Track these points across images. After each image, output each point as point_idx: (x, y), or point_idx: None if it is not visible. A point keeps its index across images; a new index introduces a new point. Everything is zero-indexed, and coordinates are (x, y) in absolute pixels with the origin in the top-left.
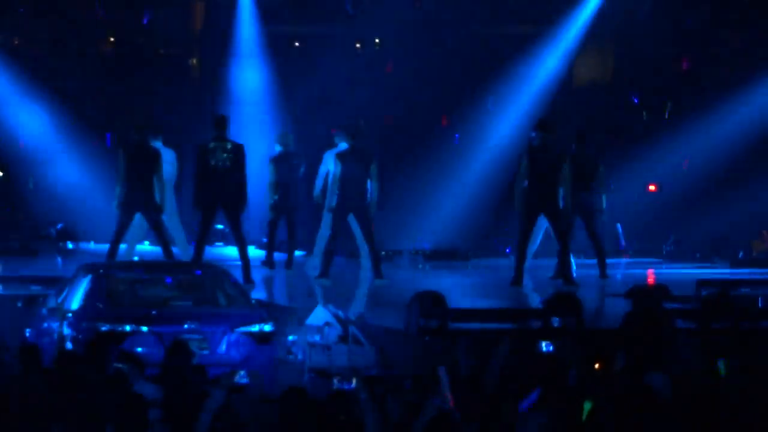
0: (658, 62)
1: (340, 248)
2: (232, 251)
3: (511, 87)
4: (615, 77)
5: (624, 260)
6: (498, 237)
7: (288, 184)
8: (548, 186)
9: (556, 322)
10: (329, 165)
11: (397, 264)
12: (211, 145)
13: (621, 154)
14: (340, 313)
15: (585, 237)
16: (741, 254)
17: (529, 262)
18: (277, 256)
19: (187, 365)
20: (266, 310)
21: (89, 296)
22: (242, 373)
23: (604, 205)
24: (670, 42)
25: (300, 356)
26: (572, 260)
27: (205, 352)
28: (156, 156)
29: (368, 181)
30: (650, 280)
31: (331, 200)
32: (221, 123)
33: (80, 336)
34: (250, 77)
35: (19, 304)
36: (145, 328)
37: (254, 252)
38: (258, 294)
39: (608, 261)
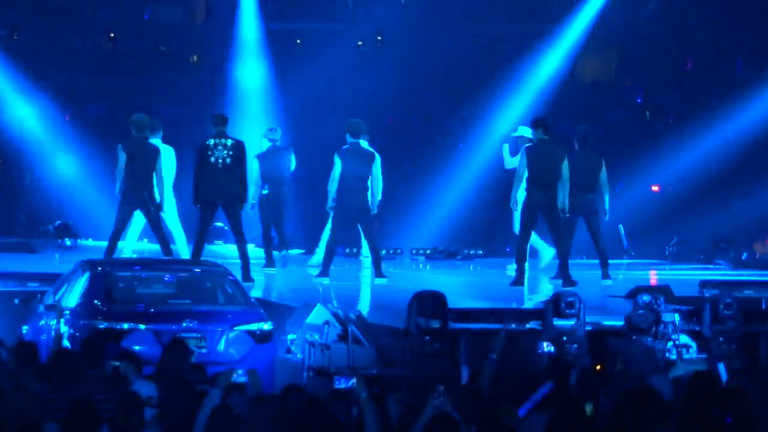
0: (662, 61)
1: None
2: (231, 249)
3: (513, 85)
4: (618, 77)
5: (626, 261)
6: (499, 236)
7: (276, 179)
8: (547, 185)
9: (556, 322)
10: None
11: (397, 263)
12: (211, 141)
13: (624, 155)
14: (340, 312)
15: (586, 238)
16: (744, 256)
17: (529, 262)
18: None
19: (185, 363)
20: (265, 308)
21: (87, 293)
22: (241, 371)
23: (607, 205)
24: (674, 41)
25: (299, 355)
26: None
27: (204, 350)
28: (155, 153)
29: (370, 180)
30: (653, 281)
31: (332, 198)
32: (221, 120)
33: (78, 333)
34: (251, 74)
35: (16, 301)
36: (143, 326)
37: (254, 251)
38: (257, 292)
39: (610, 262)
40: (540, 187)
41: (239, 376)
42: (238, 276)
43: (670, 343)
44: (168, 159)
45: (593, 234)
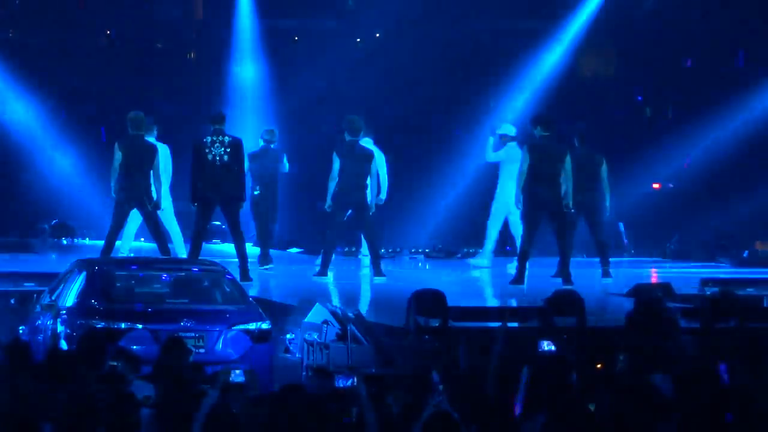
0: (662, 58)
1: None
2: (229, 248)
3: (513, 83)
4: (618, 73)
5: (627, 259)
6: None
7: (265, 179)
8: (549, 183)
9: (557, 321)
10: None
11: (396, 262)
12: (209, 139)
13: (624, 152)
14: (339, 311)
15: (587, 235)
16: (746, 253)
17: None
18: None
19: (183, 363)
20: (264, 307)
21: (84, 293)
22: (239, 371)
23: (607, 203)
24: (674, 38)
25: (298, 354)
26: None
27: (202, 350)
28: (152, 151)
29: (368, 179)
30: (653, 278)
31: (330, 197)
32: (219, 117)
33: (74, 333)
34: (248, 71)
35: (12, 301)
36: (140, 326)
37: (252, 249)
38: (256, 291)
39: (611, 260)
40: (543, 185)
41: (237, 376)
42: (236, 275)
43: (670, 342)
44: (163, 157)
45: (593, 232)
